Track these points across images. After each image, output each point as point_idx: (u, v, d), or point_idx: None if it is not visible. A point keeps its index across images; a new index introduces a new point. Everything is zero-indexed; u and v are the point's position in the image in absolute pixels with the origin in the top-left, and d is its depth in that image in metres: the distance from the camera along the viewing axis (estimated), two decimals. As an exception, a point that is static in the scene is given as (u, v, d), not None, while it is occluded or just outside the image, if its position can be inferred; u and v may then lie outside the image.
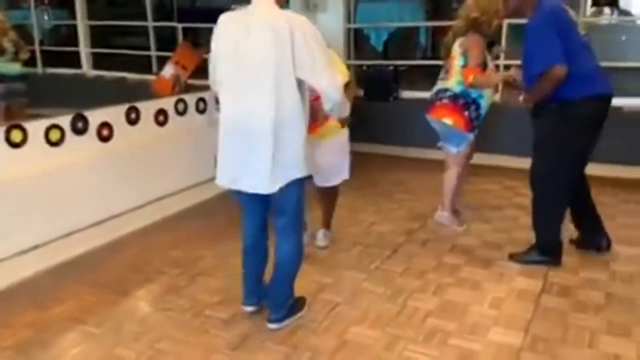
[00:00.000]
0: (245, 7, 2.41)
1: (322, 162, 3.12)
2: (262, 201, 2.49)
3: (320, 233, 3.52)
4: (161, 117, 4.26)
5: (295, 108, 2.33)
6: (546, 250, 3.19)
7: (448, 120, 3.49)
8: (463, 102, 3.44)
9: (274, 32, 2.23)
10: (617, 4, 7.81)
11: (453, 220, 3.75)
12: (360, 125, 5.58)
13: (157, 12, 8.18)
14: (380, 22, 6.14)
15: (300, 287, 2.89)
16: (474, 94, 3.45)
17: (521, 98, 3.11)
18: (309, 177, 2.56)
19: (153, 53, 7.42)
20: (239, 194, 2.49)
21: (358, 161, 5.38)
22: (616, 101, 4.78)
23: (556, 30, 2.82)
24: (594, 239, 3.33)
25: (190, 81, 5.61)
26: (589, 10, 7.66)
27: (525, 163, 3.27)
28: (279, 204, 2.47)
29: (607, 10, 7.87)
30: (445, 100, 3.50)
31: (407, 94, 5.87)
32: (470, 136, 3.56)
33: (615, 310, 2.73)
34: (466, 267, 3.22)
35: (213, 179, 2.53)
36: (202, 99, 4.60)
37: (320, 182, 3.28)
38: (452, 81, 3.49)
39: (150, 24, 7.55)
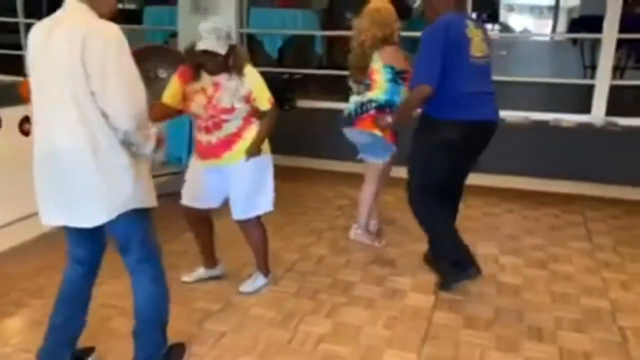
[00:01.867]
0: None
1: (233, 192, 2.87)
2: (92, 238, 2.16)
3: (252, 277, 3.10)
4: (27, 126, 3.79)
5: (110, 132, 1.95)
6: (459, 265, 3.05)
7: (378, 132, 3.36)
8: (389, 111, 3.32)
9: (70, 43, 1.87)
10: (497, 19, 8.28)
11: (371, 236, 3.69)
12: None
13: (29, 6, 7.48)
14: (274, 28, 5.99)
15: (183, 317, 2.65)
16: (399, 102, 3.33)
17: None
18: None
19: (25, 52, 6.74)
20: (67, 229, 2.15)
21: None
22: (502, 113, 5.15)
23: (441, 47, 2.74)
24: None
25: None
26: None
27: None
28: (119, 241, 2.14)
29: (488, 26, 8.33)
30: (372, 112, 3.37)
31: (302, 103, 5.77)
32: (394, 147, 3.49)
33: (504, 324, 2.76)
34: (360, 284, 3.14)
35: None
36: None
37: (234, 214, 2.91)
38: (376, 92, 3.37)
39: (21, 20, 6.86)
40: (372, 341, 2.59)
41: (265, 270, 3.08)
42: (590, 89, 5.20)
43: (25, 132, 3.75)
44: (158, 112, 2.65)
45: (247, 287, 3.03)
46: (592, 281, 3.21)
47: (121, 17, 8.26)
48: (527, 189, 4.79)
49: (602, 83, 5.14)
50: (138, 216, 2.09)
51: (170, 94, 2.76)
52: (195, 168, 2.90)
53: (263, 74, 5.78)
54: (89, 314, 2.46)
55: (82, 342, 2.42)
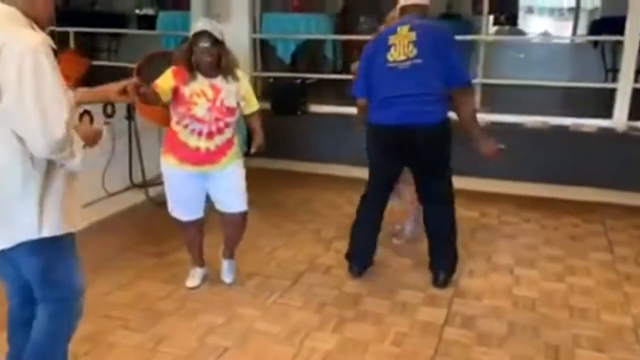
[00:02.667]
0: None
1: (226, 191, 2.94)
2: (12, 265, 1.88)
3: (225, 264, 3.17)
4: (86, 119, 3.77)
5: (15, 154, 1.69)
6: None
7: None
8: None
9: None
10: (515, 21, 8.10)
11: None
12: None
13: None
14: (287, 33, 5.93)
15: (185, 330, 2.58)
16: None
17: None
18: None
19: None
20: None
21: (260, 178, 5.16)
22: (516, 118, 5.03)
23: (365, 59, 3.05)
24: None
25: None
26: (492, 28, 7.90)
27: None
28: (26, 272, 1.86)
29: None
30: None
31: (315, 108, 5.69)
32: None
33: (518, 341, 2.63)
34: (368, 297, 3.03)
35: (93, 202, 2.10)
36: (87, 112, 4.14)
37: (235, 207, 2.96)
38: None
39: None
40: (380, 358, 2.49)
41: (233, 256, 3.20)
42: (612, 92, 5.03)
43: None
44: (152, 98, 2.59)
45: (230, 276, 3.16)
46: (613, 296, 3.06)
47: (139, 23, 8.34)
48: (546, 197, 4.64)
49: (624, 86, 4.96)
50: (45, 246, 1.79)
51: (162, 89, 2.67)
52: (178, 177, 2.85)
53: (276, 79, 5.86)
54: (91, 323, 2.42)
55: (79, 353, 2.38)
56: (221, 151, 2.79)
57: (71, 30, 6.41)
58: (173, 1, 8.26)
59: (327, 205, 4.48)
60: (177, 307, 2.90)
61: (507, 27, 8.08)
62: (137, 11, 8.73)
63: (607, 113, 5.00)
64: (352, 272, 3.24)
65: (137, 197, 4.49)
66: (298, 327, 2.73)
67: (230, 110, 2.75)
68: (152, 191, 4.46)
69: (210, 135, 2.74)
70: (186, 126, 2.73)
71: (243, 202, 2.96)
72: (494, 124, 5.01)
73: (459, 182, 4.73)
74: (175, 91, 2.70)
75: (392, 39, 2.91)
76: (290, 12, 6.30)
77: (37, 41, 1.64)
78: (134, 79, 2.37)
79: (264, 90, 6.08)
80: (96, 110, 3.90)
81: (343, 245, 3.65)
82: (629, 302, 2.99)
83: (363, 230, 3.24)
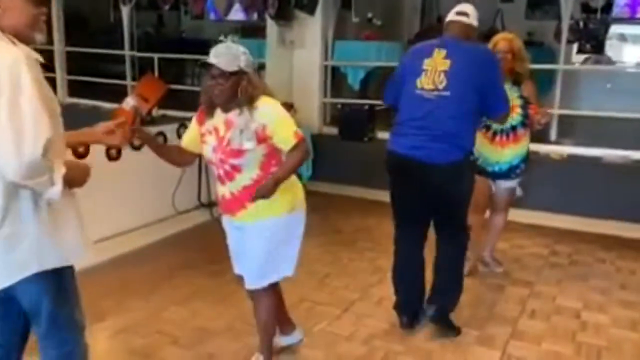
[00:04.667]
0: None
1: (245, 256, 2.37)
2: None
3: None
4: (113, 151, 4.03)
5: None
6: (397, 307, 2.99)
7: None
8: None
9: None
10: (602, 49, 7.69)
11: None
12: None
13: (142, 41, 8.11)
14: (357, 60, 5.99)
15: (232, 350, 2.61)
16: None
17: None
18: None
19: (129, 82, 7.28)
20: None
21: (322, 203, 5.22)
22: (596, 152, 4.75)
23: (401, 68, 2.90)
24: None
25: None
26: (575, 57, 7.56)
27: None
28: (26, 309, 1.75)
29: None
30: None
31: (382, 134, 5.67)
32: None
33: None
34: (420, 332, 2.94)
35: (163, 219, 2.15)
36: (161, 133, 4.39)
37: (246, 283, 2.41)
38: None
39: (127, 52, 7.43)
40: (424, 397, 2.39)
41: (268, 353, 2.51)
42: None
43: (113, 158, 4.00)
44: (174, 156, 2.41)
45: None
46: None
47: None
48: (625, 237, 4.31)
49: None
50: (48, 280, 1.69)
51: (188, 138, 2.38)
52: (224, 224, 2.44)
53: (344, 105, 5.92)
54: (143, 337, 2.49)
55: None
56: (238, 202, 2.25)
57: (155, 55, 6.85)
58: (256, 29, 8.63)
59: (388, 235, 4.35)
60: (227, 327, 2.94)
61: (591, 56, 7.68)
62: (222, 38, 9.16)
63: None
64: (402, 324, 2.93)
65: (203, 216, 4.65)
66: (343, 356, 2.69)
67: (233, 153, 2.19)
68: (218, 211, 4.60)
69: (220, 179, 2.29)
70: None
71: (258, 276, 2.33)
72: (571, 156, 4.78)
73: (528, 216, 4.56)
74: (200, 132, 2.33)
75: (426, 64, 2.71)
76: (362, 39, 6.35)
77: (14, 55, 1.53)
78: (119, 120, 2.06)
79: (333, 116, 6.16)
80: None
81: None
82: None
83: (404, 274, 2.95)
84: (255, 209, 2.22)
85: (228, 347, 2.75)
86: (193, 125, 2.35)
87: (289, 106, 5.38)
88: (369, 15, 6.31)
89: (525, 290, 3.43)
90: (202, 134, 2.31)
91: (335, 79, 6.20)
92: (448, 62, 2.68)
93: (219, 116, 2.25)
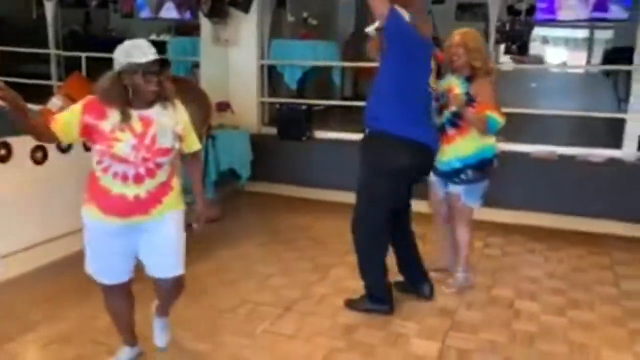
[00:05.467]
0: None
1: (157, 249, 2.31)
2: None
3: (157, 323, 2.61)
4: (39, 154, 3.80)
5: None
6: (376, 298, 3.08)
7: None
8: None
9: None
10: (526, 51, 8.07)
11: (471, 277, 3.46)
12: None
13: (68, 40, 7.73)
14: (294, 59, 5.97)
15: (164, 356, 2.52)
16: None
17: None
18: None
19: (55, 83, 6.93)
20: None
21: (261, 203, 5.19)
22: (524, 147, 4.96)
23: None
24: (414, 284, 3.26)
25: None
26: (502, 57, 7.88)
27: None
28: None
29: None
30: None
31: (321, 134, 5.69)
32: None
33: (513, 377, 2.54)
34: (362, 327, 2.95)
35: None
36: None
37: (169, 272, 2.35)
38: None
39: (52, 51, 7.08)
40: (367, 392, 2.41)
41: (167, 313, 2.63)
42: (622, 122, 4.95)
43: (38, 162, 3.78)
44: (39, 132, 2.13)
45: (163, 338, 2.63)
46: (617, 332, 2.94)
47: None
48: (552, 227, 4.53)
49: (634, 117, 4.88)
50: None
51: (65, 124, 2.11)
52: (102, 230, 2.25)
53: (282, 104, 5.89)
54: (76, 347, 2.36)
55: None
56: (154, 198, 2.22)
57: (83, 55, 6.56)
58: (189, 27, 8.43)
59: (328, 233, 4.42)
60: (165, 333, 2.84)
61: (519, 56, 8.04)
62: (153, 37, 8.90)
63: (618, 143, 4.92)
64: (389, 310, 3.07)
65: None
66: (286, 356, 2.66)
67: (163, 151, 2.18)
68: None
69: (138, 179, 2.17)
70: (106, 169, 2.16)
71: (178, 263, 2.36)
72: (503, 152, 4.96)
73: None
74: (89, 128, 2.11)
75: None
76: (298, 39, 6.34)
77: None
78: None
79: (271, 116, 6.12)
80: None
81: (340, 274, 3.62)
82: (633, 339, 2.87)
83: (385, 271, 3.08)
84: (168, 201, 2.27)
85: (165, 354, 2.66)
86: (76, 115, 2.10)
87: (226, 105, 5.29)
88: (305, 14, 6.31)
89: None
90: (103, 132, 2.11)
91: (272, 78, 6.16)
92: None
93: (131, 113, 2.14)
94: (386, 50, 2.83)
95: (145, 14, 7.46)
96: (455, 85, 3.12)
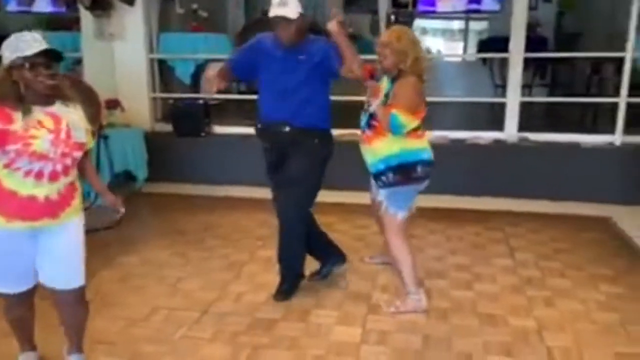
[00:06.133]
0: None
1: (54, 261, 2.17)
2: None
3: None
4: None
5: None
6: (297, 276, 3.26)
7: None
8: None
9: None
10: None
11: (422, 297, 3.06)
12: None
13: None
14: (186, 53, 5.76)
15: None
16: None
17: None
18: None
19: None
20: None
21: (162, 205, 4.96)
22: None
23: None
24: (328, 256, 3.40)
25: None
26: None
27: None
28: None
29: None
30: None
31: (220, 129, 5.55)
32: None
33: (434, 353, 2.64)
34: (283, 321, 2.93)
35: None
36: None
37: (66, 284, 2.21)
38: None
39: None
40: (297, 386, 2.39)
41: (81, 348, 2.41)
42: (502, 106, 5.34)
43: None
44: None
45: None
46: (517, 300, 3.18)
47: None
48: (450, 207, 4.79)
49: (513, 100, 5.29)
50: None
51: None
52: (2, 240, 2.11)
53: (177, 100, 5.66)
54: None
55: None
56: (64, 200, 2.12)
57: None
58: (67, 21, 7.81)
59: (236, 229, 4.33)
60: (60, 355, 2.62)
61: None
62: (25, 33, 8.13)
63: (500, 126, 5.31)
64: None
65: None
66: (209, 360, 2.57)
67: (78, 146, 2.11)
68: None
69: (53, 177, 2.07)
70: (17, 169, 2.03)
71: (79, 274, 2.22)
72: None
73: (360, 197, 4.79)
74: (1, 135, 1.98)
75: None
76: (188, 31, 6.11)
77: None
78: None
79: (164, 112, 5.86)
80: None
81: (254, 270, 3.56)
82: (531, 305, 3.11)
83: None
84: (75, 204, 2.19)
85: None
86: None
87: (115, 103, 4.98)
88: (194, 6, 6.10)
89: (374, 266, 3.62)
90: (15, 132, 1.98)
91: (164, 73, 5.90)
92: None
93: (36, 110, 2.05)
94: (328, 77, 3.07)
95: (13, 6, 6.80)
96: (384, 86, 2.96)
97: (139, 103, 5.49)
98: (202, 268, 3.61)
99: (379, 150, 2.91)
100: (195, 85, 5.97)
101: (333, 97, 5.40)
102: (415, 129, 2.91)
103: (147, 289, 3.28)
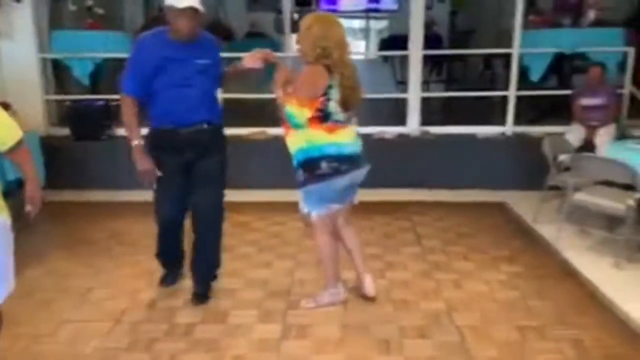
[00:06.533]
0: None
1: None
2: None
3: None
4: None
5: None
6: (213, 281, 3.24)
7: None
8: None
9: None
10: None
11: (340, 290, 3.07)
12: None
13: None
14: (82, 52, 5.46)
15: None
16: None
17: None
18: None
19: None
20: None
21: (63, 213, 4.68)
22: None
23: None
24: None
25: None
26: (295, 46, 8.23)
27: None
28: None
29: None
30: None
31: (123, 131, 5.30)
32: None
33: (353, 341, 2.71)
34: (201, 324, 2.87)
35: None
36: None
37: None
38: None
39: None
40: (219, 387, 2.36)
41: None
42: (404, 102, 5.58)
43: None
44: None
45: None
46: (427, 284, 3.34)
47: None
48: (361, 200, 4.88)
49: (414, 96, 5.54)
50: None
51: None
52: None
53: (74, 102, 5.35)
54: None
55: None
56: None
57: None
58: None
59: (144, 235, 4.15)
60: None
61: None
62: None
63: (403, 121, 5.54)
64: None
65: None
66: (125, 371, 2.47)
67: None
68: None
69: None
70: None
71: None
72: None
73: (286, 195, 4.80)
74: None
75: None
76: (83, 29, 5.79)
77: None
78: None
79: (60, 115, 5.53)
80: None
81: (167, 274, 3.45)
82: (440, 288, 3.29)
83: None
84: None
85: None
86: None
87: (5, 106, 4.61)
88: (89, 3, 5.78)
89: (291, 262, 3.66)
90: None
91: (60, 73, 5.56)
92: None
93: None
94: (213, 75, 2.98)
95: None
96: None
97: (31, 106, 5.14)
98: (112, 277, 3.46)
99: (290, 145, 2.83)
100: (94, 85, 5.69)
101: (241, 95, 5.40)
102: (323, 120, 2.71)
103: (53, 302, 3.09)
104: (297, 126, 2.75)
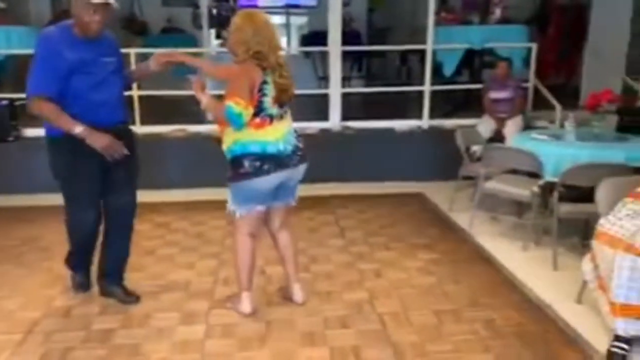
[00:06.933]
0: None
1: None
2: None
3: None
4: None
5: None
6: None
7: None
8: None
9: None
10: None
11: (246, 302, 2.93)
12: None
13: None
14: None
15: None
16: None
17: None
18: None
19: None
20: None
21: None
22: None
23: None
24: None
25: None
26: (214, 41, 8.11)
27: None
28: None
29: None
30: None
31: (32, 131, 5.03)
32: None
33: (277, 336, 2.73)
34: (121, 330, 2.79)
35: None
36: None
37: None
38: None
39: None
40: (141, 392, 2.30)
41: None
42: (326, 98, 5.65)
43: None
44: None
45: None
46: (351, 275, 3.42)
47: None
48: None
49: (335, 92, 5.63)
50: None
51: None
52: None
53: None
54: None
55: None
56: None
57: None
58: None
59: (60, 240, 3.95)
60: None
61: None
62: None
63: (325, 116, 5.62)
64: None
65: None
66: (39, 383, 2.35)
67: None
68: None
69: None
70: None
71: None
72: (194, 134, 5.17)
73: (208, 193, 4.73)
74: None
75: None
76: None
77: None
78: None
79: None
80: None
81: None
82: (363, 278, 3.38)
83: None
84: None
85: None
86: None
87: None
88: (-10, -4, 5.42)
89: (214, 262, 3.62)
90: None
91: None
92: None
93: None
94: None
95: None
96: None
97: None
98: (22, 286, 3.28)
99: (224, 142, 2.76)
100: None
101: (161, 92, 5.26)
102: (256, 115, 2.64)
103: (-46, 317, 2.89)
104: (242, 126, 2.62)
